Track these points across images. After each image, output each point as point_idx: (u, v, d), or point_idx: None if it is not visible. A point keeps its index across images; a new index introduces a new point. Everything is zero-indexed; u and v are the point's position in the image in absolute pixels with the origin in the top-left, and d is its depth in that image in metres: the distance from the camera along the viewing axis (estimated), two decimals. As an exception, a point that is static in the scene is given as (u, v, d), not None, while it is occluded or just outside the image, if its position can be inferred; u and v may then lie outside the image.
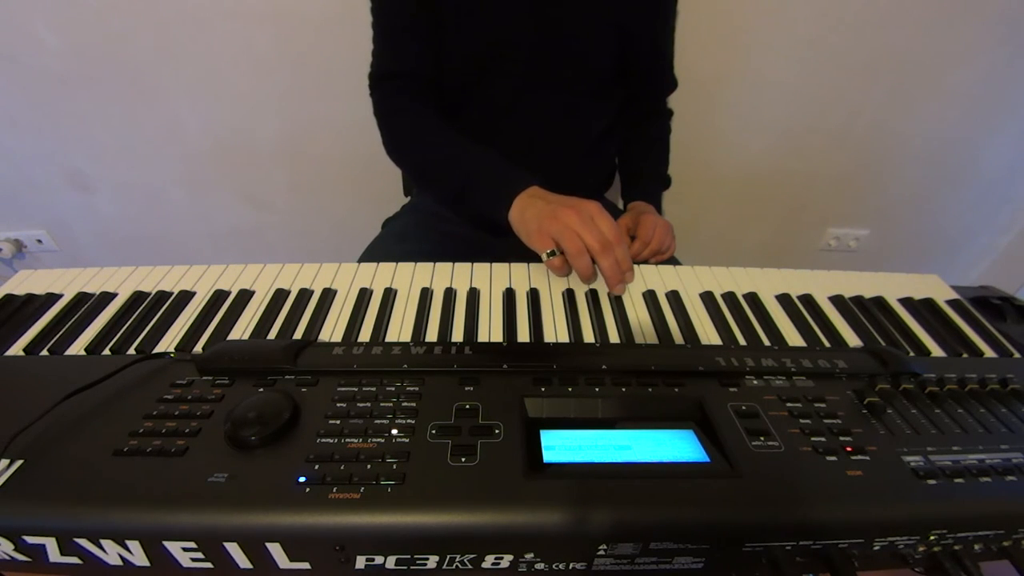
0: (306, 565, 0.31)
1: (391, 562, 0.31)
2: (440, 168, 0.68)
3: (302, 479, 0.31)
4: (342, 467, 0.32)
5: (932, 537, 0.32)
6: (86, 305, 0.50)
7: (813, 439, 0.35)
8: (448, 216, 0.84)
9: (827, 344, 0.49)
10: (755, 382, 0.40)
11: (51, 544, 0.30)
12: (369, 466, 0.32)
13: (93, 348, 0.45)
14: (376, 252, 0.78)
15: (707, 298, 0.54)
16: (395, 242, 0.79)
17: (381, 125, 0.74)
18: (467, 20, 0.68)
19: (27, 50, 1.02)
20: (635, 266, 0.58)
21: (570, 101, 0.76)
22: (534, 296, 0.52)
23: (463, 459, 0.33)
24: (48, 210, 1.29)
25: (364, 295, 0.52)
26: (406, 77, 0.71)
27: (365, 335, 0.47)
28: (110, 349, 0.45)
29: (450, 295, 0.52)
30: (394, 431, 0.34)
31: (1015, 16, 1.02)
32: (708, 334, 0.49)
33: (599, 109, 0.82)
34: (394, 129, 0.73)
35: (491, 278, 0.55)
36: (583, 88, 0.76)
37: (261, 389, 0.37)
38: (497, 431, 0.35)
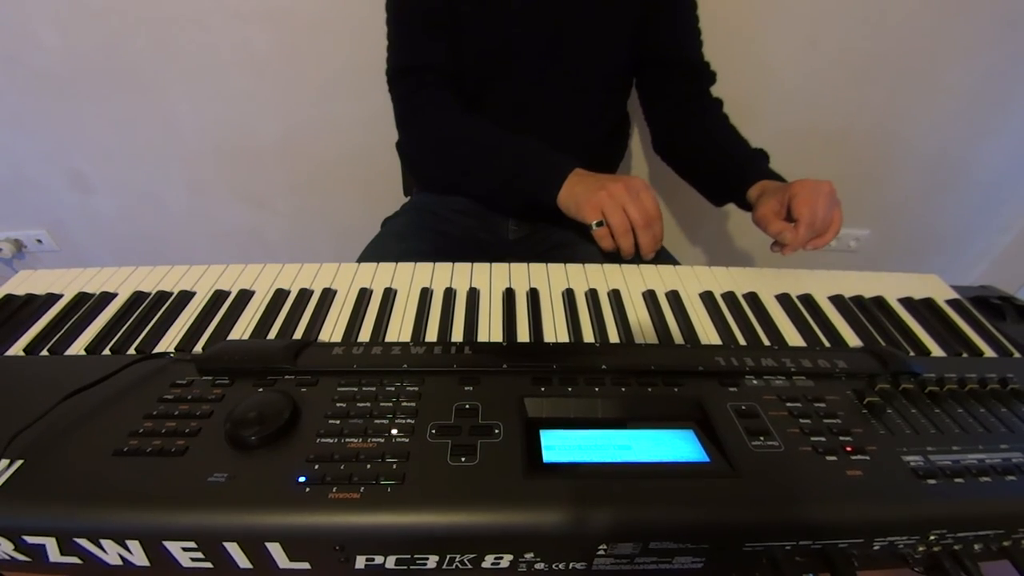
0: (306, 565, 0.31)
1: (391, 562, 0.31)
2: (481, 159, 0.69)
3: (302, 479, 0.31)
4: (342, 467, 0.32)
5: (932, 537, 0.32)
6: (86, 305, 0.50)
7: (813, 439, 0.35)
8: (448, 216, 0.84)
9: (827, 344, 0.49)
10: (755, 382, 0.40)
11: (51, 544, 0.30)
12: (369, 466, 0.32)
13: (93, 348, 0.45)
14: (376, 251, 0.78)
15: (707, 298, 0.54)
16: (395, 241, 0.79)
17: (406, 121, 0.73)
18: (483, 16, 0.68)
19: (27, 50, 1.01)
20: (636, 266, 0.58)
21: (584, 95, 0.77)
22: (534, 296, 0.52)
23: (463, 459, 0.33)
24: (48, 210, 1.29)
25: (364, 295, 0.52)
26: (428, 71, 0.70)
27: (365, 335, 0.47)
28: (110, 349, 0.45)
29: (450, 295, 0.52)
30: (394, 431, 0.34)
31: (1014, 16, 1.02)
32: (708, 334, 0.49)
33: (613, 102, 0.82)
34: (422, 124, 0.72)
35: (491, 278, 0.55)
36: (597, 83, 0.76)
37: (261, 389, 0.37)
38: (497, 431, 0.35)
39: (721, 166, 0.74)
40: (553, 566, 0.32)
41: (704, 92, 0.79)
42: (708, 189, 0.79)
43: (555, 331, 0.48)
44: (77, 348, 0.45)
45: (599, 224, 0.59)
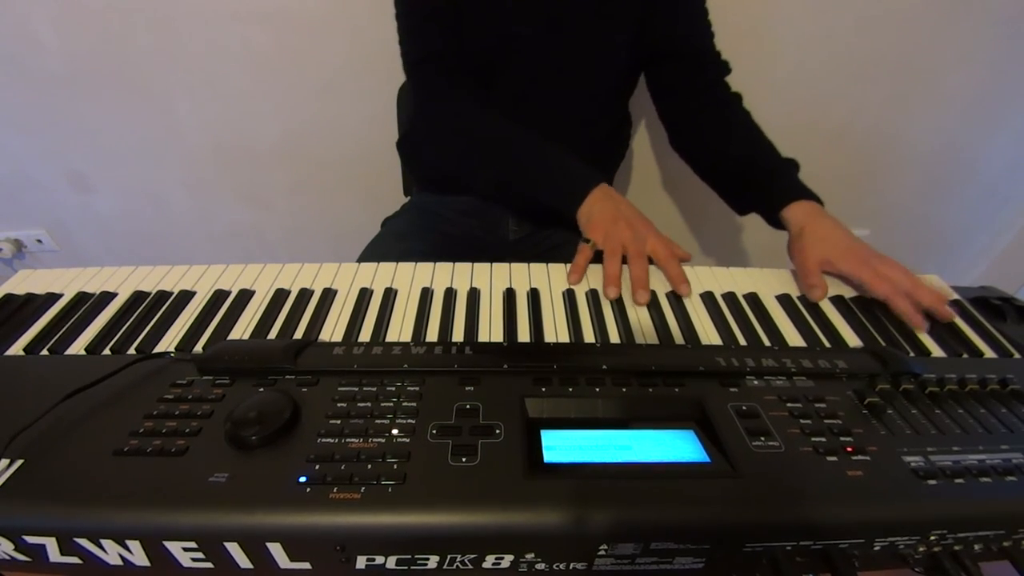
0: (307, 565, 0.31)
1: (391, 562, 0.31)
2: (496, 155, 0.68)
3: (302, 479, 0.31)
4: (342, 467, 0.32)
5: (932, 537, 0.32)
6: (86, 305, 0.50)
7: (813, 439, 0.35)
8: (448, 216, 0.84)
9: (827, 344, 0.49)
10: (755, 382, 0.40)
11: (51, 544, 0.30)
12: (370, 466, 0.32)
13: (93, 348, 0.45)
14: (376, 251, 0.78)
15: (707, 298, 0.54)
16: (395, 241, 0.79)
17: (423, 109, 0.73)
18: (479, 12, 0.68)
19: (27, 50, 1.01)
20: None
21: (583, 95, 0.76)
22: (534, 296, 0.52)
23: (464, 459, 0.33)
24: (48, 210, 1.29)
25: (364, 295, 0.52)
26: (444, 58, 0.70)
27: (365, 335, 0.47)
28: (110, 349, 0.45)
29: (450, 295, 0.52)
30: (395, 431, 0.34)
31: (1014, 16, 1.02)
32: (708, 334, 0.49)
33: (613, 102, 0.82)
34: (439, 113, 0.72)
35: (491, 278, 0.55)
36: (596, 82, 0.76)
37: (261, 389, 0.37)
38: (498, 431, 0.35)
39: (745, 172, 0.69)
40: (554, 566, 0.32)
41: (718, 82, 0.75)
42: (730, 195, 0.74)
43: (556, 331, 0.48)
44: (77, 348, 0.45)
45: (586, 240, 0.59)
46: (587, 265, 0.57)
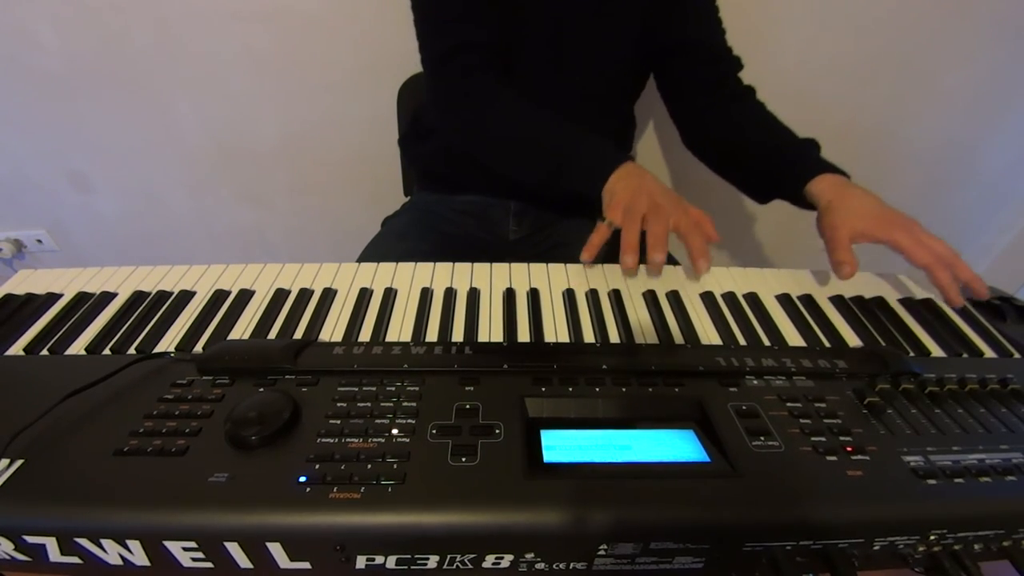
0: (306, 565, 0.31)
1: (391, 562, 0.31)
2: (529, 150, 0.67)
3: (302, 479, 0.31)
4: (342, 467, 0.32)
5: (932, 537, 0.32)
6: (86, 305, 0.50)
7: (813, 439, 0.35)
8: (448, 215, 0.85)
9: (827, 344, 0.49)
10: (755, 382, 0.40)
11: (51, 544, 0.30)
12: (369, 466, 0.32)
13: (93, 348, 0.45)
14: (376, 251, 0.78)
15: (707, 298, 0.54)
16: (395, 240, 0.79)
17: (453, 106, 0.71)
18: (486, 11, 0.68)
19: (27, 50, 1.01)
20: (640, 265, 0.56)
21: (586, 96, 0.76)
22: (534, 296, 0.52)
23: (463, 459, 0.33)
24: (48, 210, 1.29)
25: (364, 295, 0.52)
26: (469, 50, 0.67)
27: (365, 335, 0.47)
28: (110, 349, 0.45)
29: (450, 295, 0.52)
30: (394, 431, 0.34)
31: (1014, 16, 1.02)
32: (708, 334, 0.49)
33: (617, 104, 0.81)
34: (469, 110, 0.70)
35: (491, 278, 0.55)
36: (600, 85, 0.76)
37: (261, 389, 0.37)
38: (497, 431, 0.35)
39: (765, 156, 0.68)
40: (554, 566, 0.32)
41: (730, 77, 0.75)
42: (750, 183, 0.73)
43: (556, 331, 0.48)
44: (77, 348, 0.45)
45: (602, 219, 0.56)
46: (601, 244, 0.55)
